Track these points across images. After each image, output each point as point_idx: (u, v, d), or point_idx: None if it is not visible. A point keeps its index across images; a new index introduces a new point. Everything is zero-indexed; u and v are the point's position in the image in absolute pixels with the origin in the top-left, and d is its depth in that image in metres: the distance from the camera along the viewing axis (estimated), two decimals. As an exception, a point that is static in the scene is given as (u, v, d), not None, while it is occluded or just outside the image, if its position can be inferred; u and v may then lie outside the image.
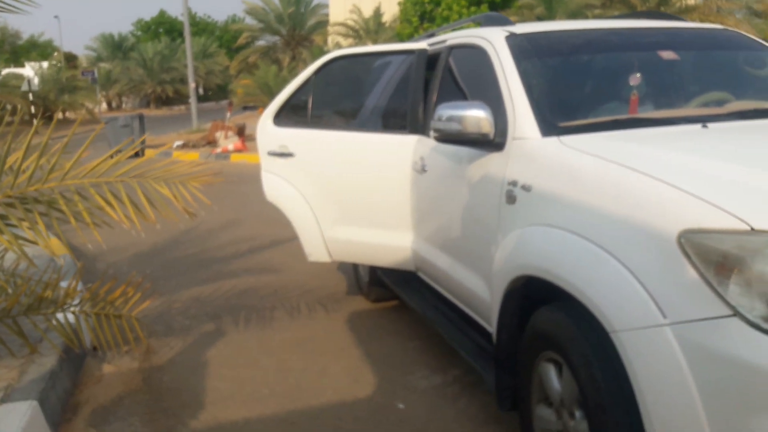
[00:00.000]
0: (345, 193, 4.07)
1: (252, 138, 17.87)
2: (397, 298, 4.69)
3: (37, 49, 47.85)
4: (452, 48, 3.65)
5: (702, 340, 1.63)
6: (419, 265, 3.78)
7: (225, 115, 17.64)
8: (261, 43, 38.57)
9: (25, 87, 27.72)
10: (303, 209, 4.19)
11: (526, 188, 2.44)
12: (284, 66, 32.44)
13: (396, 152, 3.81)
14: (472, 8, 21.14)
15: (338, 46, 29.18)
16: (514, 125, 2.67)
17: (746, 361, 1.57)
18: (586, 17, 17.85)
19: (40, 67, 34.34)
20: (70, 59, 47.57)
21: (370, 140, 4.02)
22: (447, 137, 2.80)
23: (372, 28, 28.39)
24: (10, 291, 3.66)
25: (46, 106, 31.36)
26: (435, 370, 3.63)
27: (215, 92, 46.47)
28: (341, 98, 4.67)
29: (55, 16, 71.87)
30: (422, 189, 3.56)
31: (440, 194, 3.32)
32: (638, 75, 3.04)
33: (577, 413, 2.14)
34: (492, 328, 2.83)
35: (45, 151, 2.96)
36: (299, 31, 34.71)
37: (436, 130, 2.81)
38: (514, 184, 2.53)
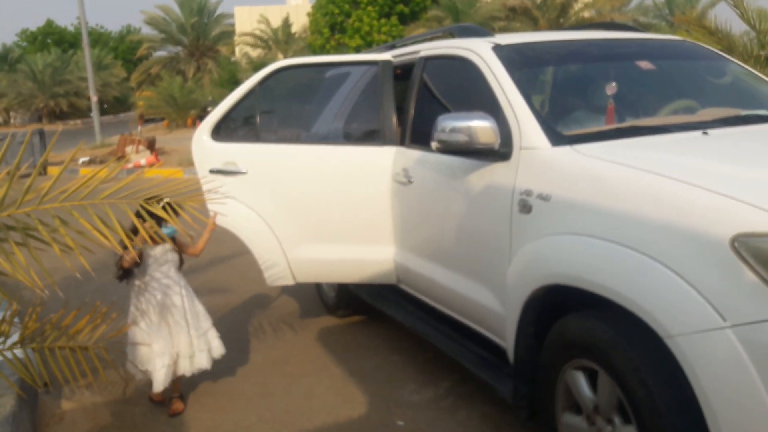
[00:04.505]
0: (311, 210, 3.85)
1: (164, 151, 17.23)
2: (365, 312, 4.61)
3: None
4: (427, 59, 3.64)
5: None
6: (403, 277, 3.72)
7: (136, 129, 16.88)
8: (162, 53, 37.30)
9: None
10: (261, 231, 3.91)
11: (544, 197, 2.45)
12: (189, 77, 31.56)
13: (371, 164, 3.73)
14: (383, 20, 21.37)
15: (247, 56, 28.70)
16: (519, 135, 2.68)
17: None
18: (492, 29, 18.42)
19: None
20: (-52, 72, 44.16)
21: (337, 153, 3.87)
22: (450, 148, 2.78)
23: (281, 38, 28.11)
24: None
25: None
26: (424, 384, 3.58)
27: (112, 105, 44.45)
28: (294, 110, 4.45)
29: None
30: (408, 200, 3.51)
31: (432, 205, 3.29)
32: (614, 84, 3.14)
33: (616, 419, 2.16)
34: (501, 338, 2.83)
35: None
36: (203, 41, 33.85)
37: (440, 141, 2.78)
38: (528, 193, 2.54)
